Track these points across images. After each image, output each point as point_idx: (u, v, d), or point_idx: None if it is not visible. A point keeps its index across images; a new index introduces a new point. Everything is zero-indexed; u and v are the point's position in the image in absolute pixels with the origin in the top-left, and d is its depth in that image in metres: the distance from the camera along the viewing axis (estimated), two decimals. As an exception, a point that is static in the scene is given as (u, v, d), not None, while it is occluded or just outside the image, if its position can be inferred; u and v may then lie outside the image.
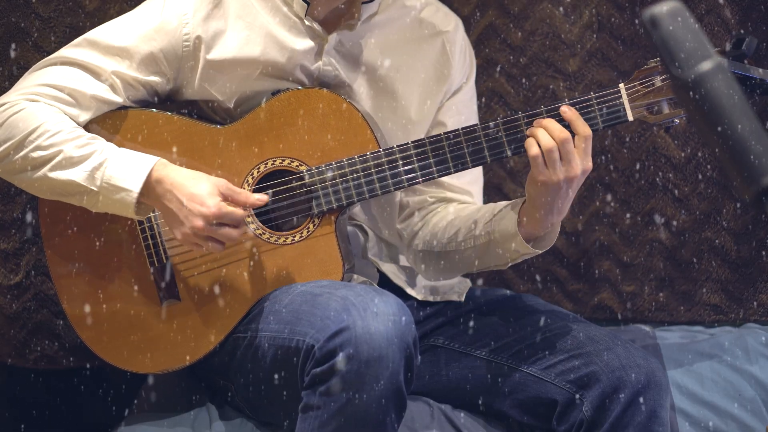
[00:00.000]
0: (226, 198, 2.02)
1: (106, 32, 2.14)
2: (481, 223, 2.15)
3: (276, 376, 2.04)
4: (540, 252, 2.11)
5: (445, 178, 2.22)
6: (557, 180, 1.99)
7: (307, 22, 2.15)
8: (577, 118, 2.01)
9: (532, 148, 2.00)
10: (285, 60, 2.15)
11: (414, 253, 2.28)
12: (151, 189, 2.03)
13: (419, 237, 2.27)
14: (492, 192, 2.64)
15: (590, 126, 2.04)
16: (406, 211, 2.30)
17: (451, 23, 2.28)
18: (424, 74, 2.24)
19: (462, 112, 2.28)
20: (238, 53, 2.15)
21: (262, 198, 2.06)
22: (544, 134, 2.00)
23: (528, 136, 2.02)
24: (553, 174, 2.00)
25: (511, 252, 2.12)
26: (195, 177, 2.04)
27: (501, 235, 2.11)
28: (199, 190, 2.01)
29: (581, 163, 2.00)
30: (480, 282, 2.68)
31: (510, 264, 2.17)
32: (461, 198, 2.28)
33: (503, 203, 2.15)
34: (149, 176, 2.03)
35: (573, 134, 2.01)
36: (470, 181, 2.29)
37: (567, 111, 2.02)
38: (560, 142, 1.99)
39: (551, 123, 2.01)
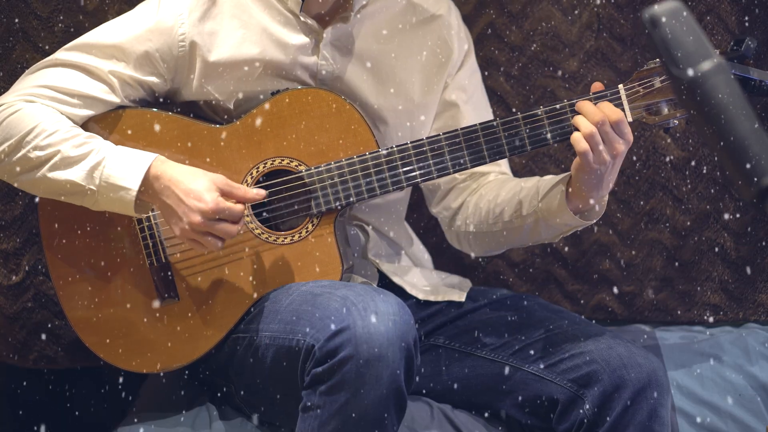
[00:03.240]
0: (224, 193, 2.02)
1: (103, 33, 2.15)
2: (527, 202, 2.16)
3: (276, 376, 2.04)
4: (592, 222, 2.12)
5: None
6: (605, 162, 2.01)
7: (302, 18, 2.16)
8: (606, 106, 2.02)
9: (580, 144, 2.01)
10: (282, 57, 2.16)
11: (457, 233, 2.30)
12: (149, 186, 2.03)
13: (460, 218, 2.28)
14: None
15: None
16: (438, 193, 2.31)
17: (443, 5, 2.29)
18: (423, 58, 2.25)
19: (467, 88, 2.29)
20: (235, 52, 2.15)
21: (260, 192, 2.06)
22: (584, 121, 2.01)
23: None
24: (600, 159, 2.01)
25: (561, 226, 2.13)
26: (193, 173, 2.04)
27: (550, 212, 2.12)
28: (197, 186, 2.01)
29: (620, 143, 2.01)
30: (480, 282, 2.68)
31: (560, 237, 2.19)
32: (491, 169, 2.28)
33: (547, 179, 2.16)
34: (147, 173, 2.03)
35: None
36: None
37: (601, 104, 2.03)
38: (598, 125, 2.00)
39: (586, 107, 2.02)
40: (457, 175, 2.27)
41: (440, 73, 2.26)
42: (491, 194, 2.23)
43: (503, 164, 2.32)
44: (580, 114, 2.03)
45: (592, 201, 2.08)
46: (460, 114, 2.27)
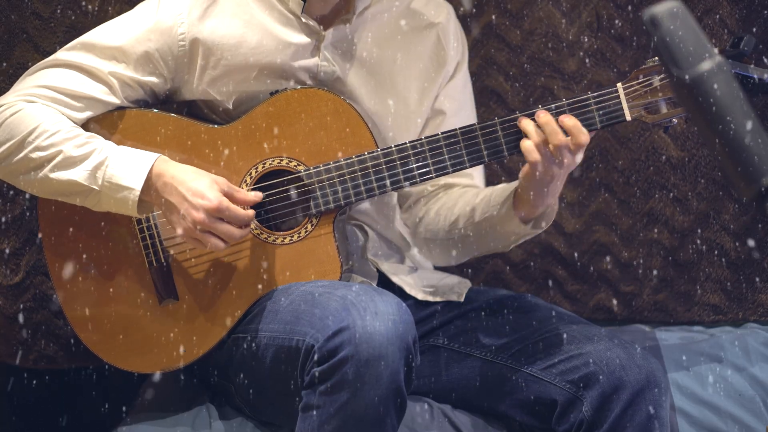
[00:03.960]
0: (225, 194, 2.03)
1: (103, 34, 2.15)
2: (479, 209, 2.18)
3: (276, 376, 2.04)
4: (540, 231, 2.15)
5: None
6: (552, 174, 2.03)
7: (303, 19, 2.15)
8: (573, 127, 2.02)
9: (532, 155, 2.01)
10: (283, 57, 2.15)
11: (420, 241, 2.31)
12: (152, 185, 2.04)
13: (422, 225, 2.29)
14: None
15: (588, 126, 2.04)
16: (409, 200, 2.31)
17: (443, 12, 2.29)
18: (421, 64, 2.25)
19: (457, 97, 2.29)
20: (235, 52, 2.15)
21: (257, 194, 2.06)
22: (535, 130, 2.01)
23: (523, 135, 2.04)
24: (548, 170, 2.02)
25: (510, 234, 2.15)
26: (196, 172, 2.05)
27: (499, 220, 2.14)
28: (200, 184, 2.02)
29: (570, 162, 2.03)
30: (480, 282, 2.68)
31: (512, 246, 2.21)
32: (462, 181, 2.29)
33: (500, 188, 2.19)
34: (150, 173, 2.03)
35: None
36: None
37: (566, 120, 2.03)
38: (554, 146, 2.01)
39: (549, 125, 2.02)
40: (428, 186, 2.28)
41: (435, 80, 2.26)
42: (450, 203, 2.25)
43: (477, 177, 2.32)
44: (532, 122, 2.03)
45: (538, 210, 2.10)
46: (446, 122, 2.27)
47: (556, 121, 2.02)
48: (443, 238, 2.25)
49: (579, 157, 2.04)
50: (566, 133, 2.02)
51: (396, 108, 2.22)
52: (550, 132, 2.01)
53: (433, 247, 2.29)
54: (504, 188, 2.17)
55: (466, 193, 2.26)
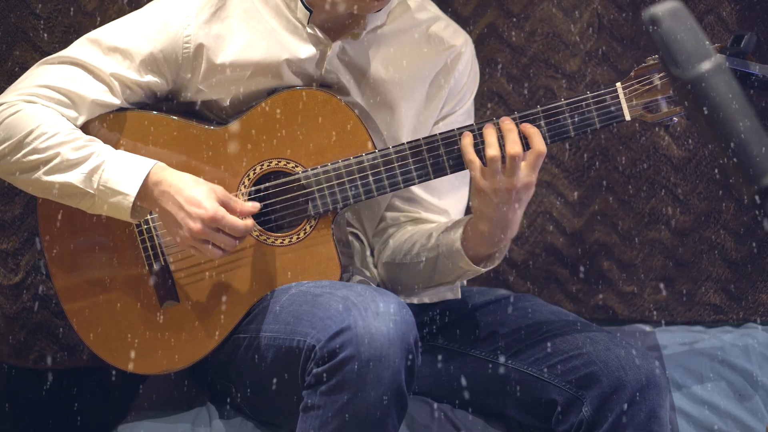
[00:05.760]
0: (222, 204, 2.01)
1: (108, 32, 2.14)
2: (435, 235, 2.15)
3: (276, 376, 2.04)
4: (483, 271, 2.11)
5: (424, 196, 2.22)
6: (495, 189, 1.99)
7: (309, 30, 2.14)
8: (535, 135, 2.00)
9: (467, 154, 2.00)
10: (287, 65, 2.14)
11: (380, 265, 2.27)
12: (148, 192, 2.03)
13: (385, 251, 2.25)
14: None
15: (587, 125, 2.04)
16: (380, 225, 2.28)
17: (459, 40, 2.24)
18: (424, 93, 2.21)
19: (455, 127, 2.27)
20: (239, 56, 2.14)
21: (255, 205, 2.05)
22: (494, 142, 1.99)
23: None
24: (492, 183, 1.99)
25: (457, 268, 2.11)
26: (193, 180, 2.04)
27: (447, 248, 2.11)
28: (197, 193, 2.01)
29: (524, 176, 1.99)
30: (480, 282, 2.68)
31: (457, 281, 2.17)
32: (436, 218, 2.24)
33: (461, 218, 2.15)
34: (146, 180, 2.02)
35: (528, 147, 2.00)
36: (451, 202, 2.27)
37: (529, 128, 2.01)
38: (508, 155, 1.98)
39: (512, 132, 1.99)
40: (401, 216, 2.25)
41: (433, 112, 2.23)
42: (414, 230, 2.22)
43: (454, 215, 2.26)
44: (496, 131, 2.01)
45: (486, 243, 2.05)
46: None
47: (518, 129, 2.00)
48: (398, 263, 2.21)
49: (533, 177, 1.99)
50: (526, 144, 2.00)
51: (388, 131, 2.20)
52: (510, 140, 1.99)
53: (388, 274, 2.24)
54: (462, 218, 2.13)
55: (433, 224, 2.22)
